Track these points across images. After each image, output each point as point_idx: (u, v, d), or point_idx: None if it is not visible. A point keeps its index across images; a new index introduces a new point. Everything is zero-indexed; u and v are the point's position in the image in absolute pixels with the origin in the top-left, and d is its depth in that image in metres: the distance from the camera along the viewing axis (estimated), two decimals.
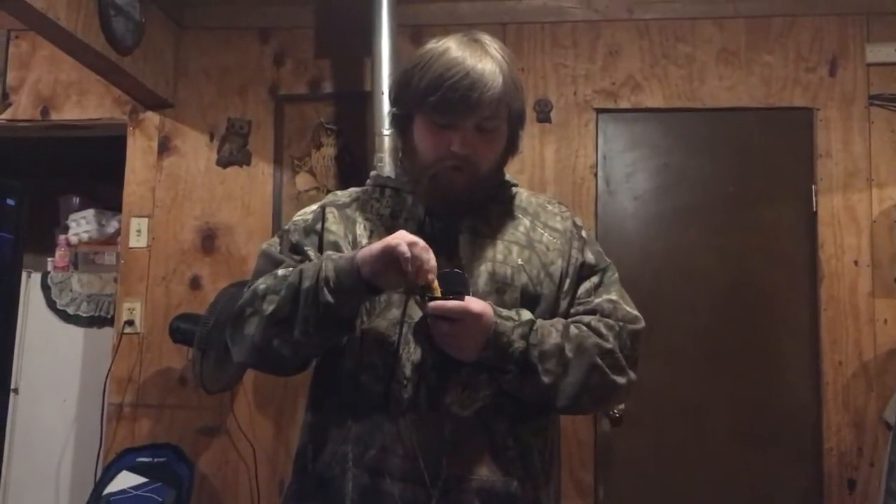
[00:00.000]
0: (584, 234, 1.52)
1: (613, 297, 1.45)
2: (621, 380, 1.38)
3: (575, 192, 3.25)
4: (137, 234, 3.42)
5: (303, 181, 3.42)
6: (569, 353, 1.35)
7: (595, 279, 1.46)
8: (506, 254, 1.42)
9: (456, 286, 1.30)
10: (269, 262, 1.46)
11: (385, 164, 2.81)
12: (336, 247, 1.43)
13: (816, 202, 3.14)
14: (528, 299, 1.41)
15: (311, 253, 1.44)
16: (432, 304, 1.28)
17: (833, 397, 3.04)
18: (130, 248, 3.42)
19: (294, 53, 3.46)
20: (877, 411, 3.02)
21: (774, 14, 3.25)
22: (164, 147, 3.47)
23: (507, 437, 1.36)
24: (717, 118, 3.26)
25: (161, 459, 3.09)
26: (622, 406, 3.07)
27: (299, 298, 1.31)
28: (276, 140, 3.43)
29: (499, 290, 1.39)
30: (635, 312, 1.45)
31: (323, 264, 1.32)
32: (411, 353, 1.35)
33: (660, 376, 3.10)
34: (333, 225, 1.48)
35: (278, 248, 1.49)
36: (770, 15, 3.25)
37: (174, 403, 3.32)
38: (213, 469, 3.27)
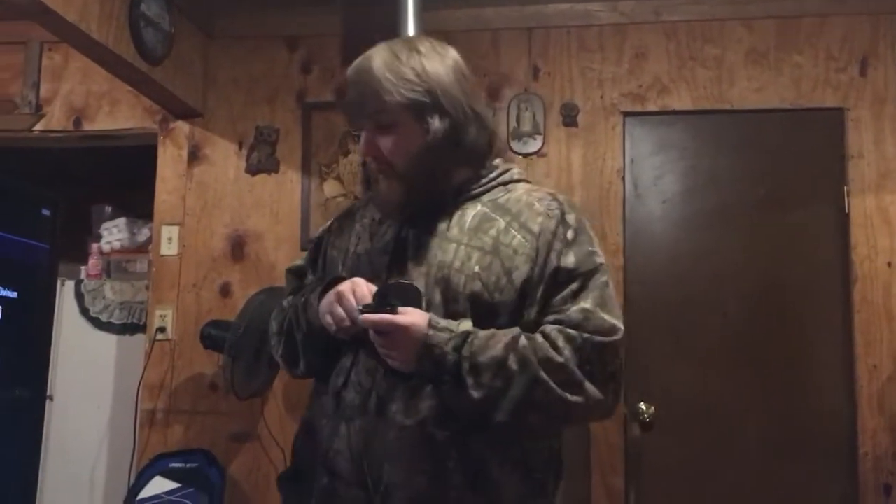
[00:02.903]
0: (570, 234, 1.41)
1: (588, 305, 1.35)
2: (574, 397, 1.31)
3: (602, 196, 3.23)
4: (168, 242, 3.46)
5: (330, 188, 3.44)
6: (513, 366, 1.30)
7: (575, 285, 1.37)
8: (464, 260, 1.38)
9: (398, 298, 1.32)
10: (288, 284, 1.67)
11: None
12: (334, 263, 1.53)
13: (848, 203, 3.10)
14: (483, 308, 1.36)
15: (310, 277, 1.60)
16: (361, 316, 1.32)
17: (867, 401, 3.00)
18: (161, 256, 3.46)
19: (321, 61, 3.49)
20: None
21: (804, 14, 3.22)
22: (194, 156, 3.51)
23: (449, 448, 1.33)
24: (746, 120, 3.23)
25: (193, 465, 3.12)
26: (652, 411, 3.06)
27: (302, 346, 1.50)
28: (304, 147, 3.45)
29: (450, 300, 1.37)
30: (612, 322, 1.36)
31: (307, 311, 1.47)
32: (368, 359, 1.38)
33: (690, 380, 3.08)
34: (337, 238, 1.57)
35: (294, 268, 1.67)
36: (800, 15, 3.22)
37: (206, 409, 3.35)
38: (245, 474, 3.29)
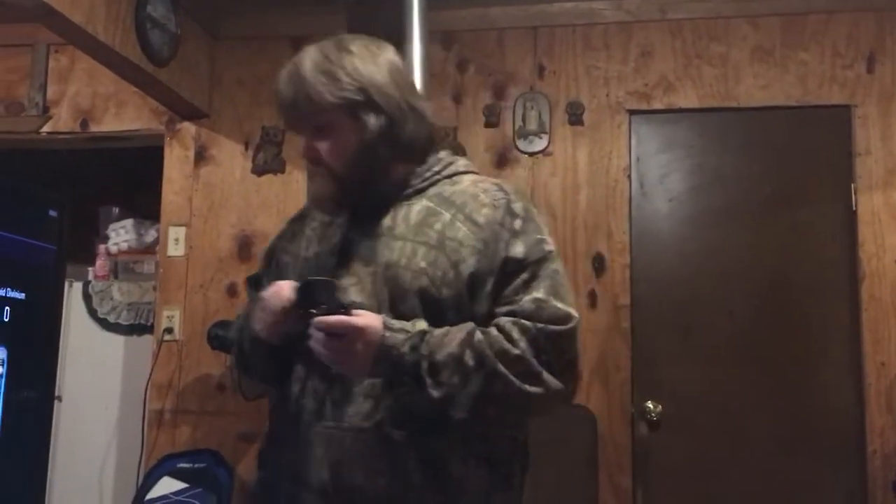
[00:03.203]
0: (517, 223, 1.38)
1: (540, 294, 1.33)
2: (534, 389, 1.29)
3: (608, 194, 3.23)
4: (175, 243, 3.47)
5: None
6: (469, 362, 1.28)
7: (525, 275, 1.35)
8: (410, 257, 1.36)
9: (319, 294, 1.28)
10: (247, 294, 1.66)
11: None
12: (286, 268, 1.50)
13: (856, 201, 3.09)
14: (431, 305, 1.34)
15: (265, 283, 1.55)
16: (315, 319, 1.27)
17: (876, 399, 2.99)
18: (169, 257, 3.47)
19: None
20: None
21: (810, 11, 3.21)
22: (201, 156, 3.52)
23: (407, 448, 1.31)
24: (752, 117, 3.23)
25: (201, 465, 3.13)
26: (659, 409, 3.06)
27: (252, 355, 1.49)
28: None
29: (398, 299, 1.35)
30: (567, 310, 1.34)
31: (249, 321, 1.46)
32: (321, 364, 1.35)
33: (697, 379, 3.07)
34: (289, 243, 1.56)
35: (252, 278, 1.64)
36: (805, 12, 3.22)
37: (213, 410, 3.35)
38: (252, 474, 3.29)
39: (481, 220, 1.38)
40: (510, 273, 1.35)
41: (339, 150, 1.40)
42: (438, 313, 1.33)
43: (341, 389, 1.34)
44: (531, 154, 3.30)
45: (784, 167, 3.17)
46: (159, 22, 3.00)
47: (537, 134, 3.30)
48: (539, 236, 1.40)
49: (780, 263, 3.13)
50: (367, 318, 1.28)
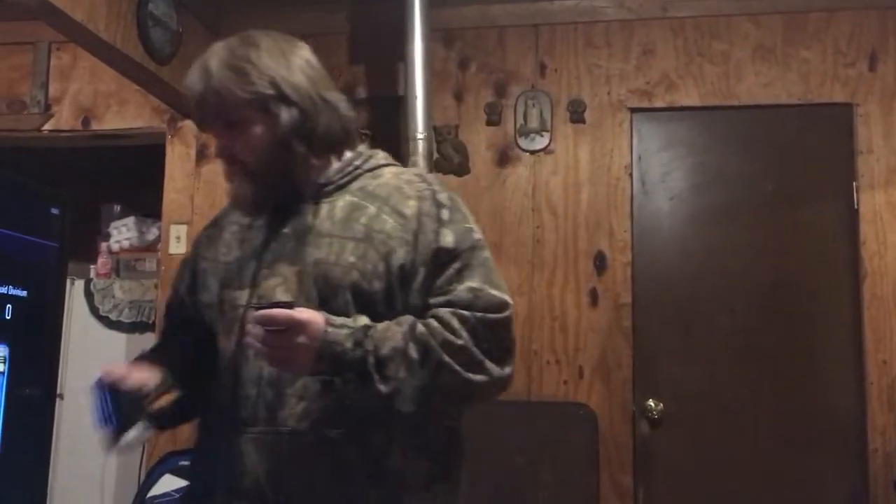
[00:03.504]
0: (444, 213, 1.38)
1: (475, 283, 1.33)
2: (478, 377, 1.29)
3: (610, 192, 3.23)
4: (177, 241, 3.47)
5: None
6: (413, 355, 1.26)
7: (457, 264, 1.34)
8: (339, 253, 1.35)
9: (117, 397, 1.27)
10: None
11: (420, 167, 2.82)
12: (205, 275, 1.48)
13: (858, 199, 3.09)
14: (363, 298, 1.33)
15: (184, 297, 1.56)
16: (257, 313, 1.23)
17: (877, 397, 2.99)
18: (170, 255, 3.47)
19: (328, 59, 3.43)
20: None
21: (811, 9, 3.21)
22: (202, 155, 3.52)
23: (345, 446, 1.29)
24: (754, 115, 3.22)
25: None
26: (660, 407, 3.06)
27: None
28: None
29: (328, 296, 1.33)
30: (502, 297, 1.34)
31: None
32: (250, 368, 1.34)
33: (699, 377, 3.07)
34: (207, 250, 1.52)
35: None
36: (807, 10, 3.21)
37: None
38: None
39: (408, 211, 1.37)
40: (442, 263, 1.34)
41: (252, 146, 1.37)
42: (370, 307, 1.32)
43: (273, 393, 1.32)
44: (532, 152, 3.30)
45: (786, 165, 3.17)
46: (161, 20, 3.00)
47: (539, 132, 3.30)
48: (467, 225, 1.40)
49: (781, 262, 3.12)
50: (309, 313, 1.25)
